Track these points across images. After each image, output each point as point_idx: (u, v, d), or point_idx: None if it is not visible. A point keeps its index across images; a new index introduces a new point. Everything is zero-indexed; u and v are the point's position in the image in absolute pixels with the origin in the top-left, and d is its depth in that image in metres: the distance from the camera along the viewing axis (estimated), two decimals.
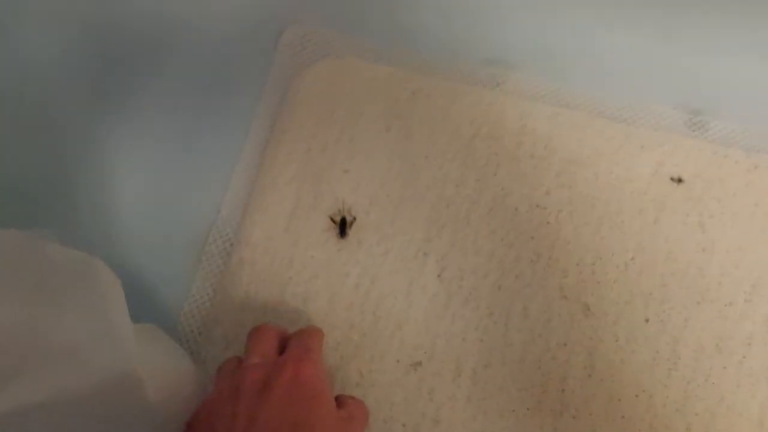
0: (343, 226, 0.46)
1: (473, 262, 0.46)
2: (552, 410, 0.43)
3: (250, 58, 0.51)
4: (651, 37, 0.51)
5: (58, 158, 0.49)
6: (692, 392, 0.43)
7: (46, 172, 0.49)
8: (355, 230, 0.46)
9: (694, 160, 0.48)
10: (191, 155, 0.49)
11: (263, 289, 0.45)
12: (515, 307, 0.45)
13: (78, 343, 0.27)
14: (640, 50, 0.51)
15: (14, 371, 0.24)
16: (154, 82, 0.50)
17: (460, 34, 0.52)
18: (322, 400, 0.36)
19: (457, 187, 0.48)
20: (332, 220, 0.47)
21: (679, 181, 0.48)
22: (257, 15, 0.52)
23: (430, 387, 0.43)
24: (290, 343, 0.39)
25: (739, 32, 0.50)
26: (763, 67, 0.50)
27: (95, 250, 0.45)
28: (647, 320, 0.44)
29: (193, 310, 0.45)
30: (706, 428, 0.42)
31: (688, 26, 0.51)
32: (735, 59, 0.50)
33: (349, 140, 0.49)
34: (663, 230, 0.46)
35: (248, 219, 0.47)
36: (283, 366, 0.36)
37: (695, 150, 0.48)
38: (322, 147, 0.48)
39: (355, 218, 0.47)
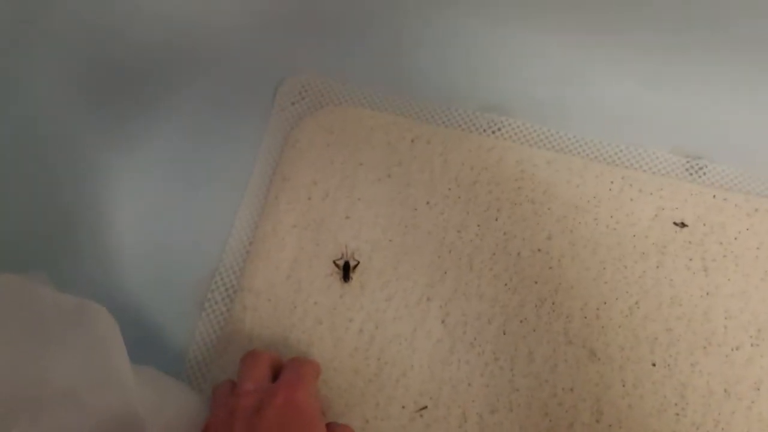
0: (346, 271, 0.46)
1: (477, 307, 0.45)
2: None
3: (250, 106, 0.52)
4: (647, 82, 0.53)
5: (60, 202, 0.49)
6: None
7: (47, 215, 0.49)
8: (358, 275, 0.46)
9: (694, 204, 0.48)
10: (193, 202, 0.49)
11: (267, 335, 0.45)
12: (521, 352, 0.44)
13: (76, 385, 0.27)
14: (636, 95, 0.52)
15: (12, 414, 0.24)
16: (157, 130, 0.51)
17: (458, 81, 0.54)
18: (314, 426, 0.36)
19: (459, 232, 0.48)
20: (335, 264, 0.47)
21: (682, 225, 0.48)
22: (257, 64, 0.53)
23: None
24: (283, 370, 0.39)
25: (734, 78, 0.51)
26: (758, 113, 0.51)
27: (97, 294, 0.45)
28: (654, 365, 0.44)
29: (197, 357, 0.44)
30: None
31: (682, 72, 0.52)
32: (730, 105, 0.51)
33: (350, 187, 0.49)
34: (666, 274, 0.46)
35: (250, 266, 0.47)
36: (276, 392, 0.36)
37: (695, 194, 0.49)
38: (324, 194, 0.49)
39: (358, 262, 0.47)
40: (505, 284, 0.46)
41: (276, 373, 0.40)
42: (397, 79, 0.53)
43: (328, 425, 0.38)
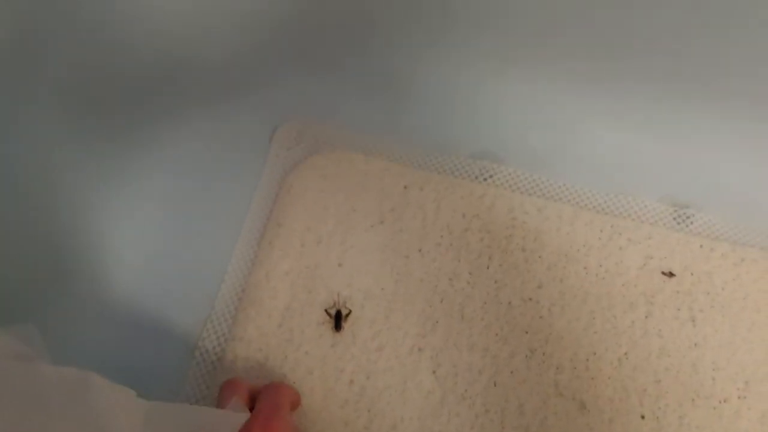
0: (338, 319, 0.46)
1: (468, 358, 0.45)
2: None
3: (246, 151, 0.52)
4: (636, 132, 0.53)
5: (51, 246, 0.49)
6: None
7: (38, 258, 0.48)
8: (350, 324, 0.46)
9: (682, 254, 0.49)
10: (186, 247, 0.49)
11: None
12: (511, 404, 0.44)
13: None
14: (626, 144, 0.53)
15: None
16: (150, 177, 0.51)
17: (451, 129, 0.54)
18: None
19: (451, 280, 0.48)
20: (327, 313, 0.47)
21: (670, 274, 0.49)
22: (254, 110, 0.54)
23: None
24: (260, 399, 0.39)
25: (722, 129, 0.52)
26: (745, 163, 0.52)
27: (87, 341, 0.45)
28: (643, 417, 0.44)
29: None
30: None
31: (671, 122, 0.53)
32: (718, 155, 0.52)
33: (344, 233, 0.49)
34: (655, 325, 0.47)
35: (242, 314, 0.47)
36: (253, 423, 0.36)
37: (682, 243, 0.50)
38: (317, 240, 0.49)
39: (350, 311, 0.47)
40: (496, 334, 0.46)
41: (255, 399, 0.40)
42: (391, 126, 0.53)
43: None
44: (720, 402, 0.44)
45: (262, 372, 0.45)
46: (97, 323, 0.47)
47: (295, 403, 0.42)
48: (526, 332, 0.46)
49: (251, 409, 0.39)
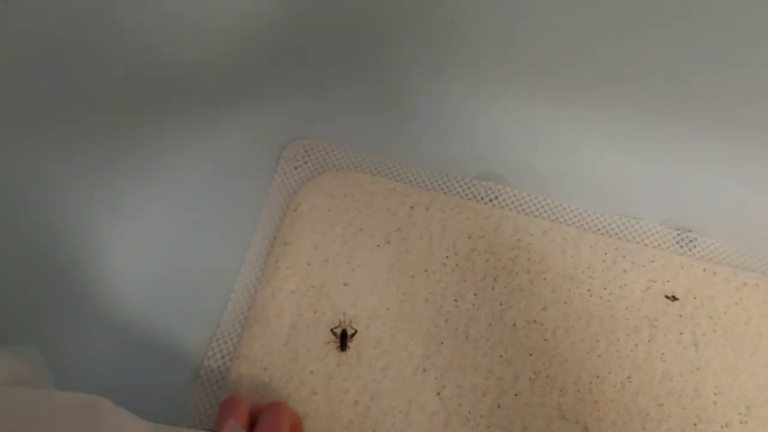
0: (344, 339, 0.46)
1: (472, 379, 0.46)
2: None
3: (252, 171, 0.53)
4: (641, 155, 0.54)
5: (53, 265, 0.49)
6: None
7: (40, 281, 0.48)
8: (356, 344, 0.47)
9: (685, 278, 0.50)
10: (193, 266, 0.49)
11: None
12: (515, 426, 0.44)
13: None
14: (630, 168, 0.54)
15: None
16: (157, 193, 0.51)
17: (457, 150, 0.55)
18: None
19: (456, 301, 0.48)
20: (333, 332, 0.47)
21: (673, 298, 0.49)
22: (262, 128, 0.54)
23: None
24: (260, 421, 0.39)
25: (724, 154, 0.53)
26: (747, 188, 0.53)
27: (90, 360, 0.45)
28: None
29: (191, 427, 0.44)
30: None
31: (675, 147, 0.54)
32: (721, 179, 0.53)
33: (350, 253, 0.50)
34: (658, 348, 0.47)
35: (248, 333, 0.47)
36: None
37: (685, 267, 0.50)
38: (323, 260, 0.49)
39: (356, 331, 0.47)
40: (501, 356, 0.47)
41: (254, 419, 0.39)
42: (398, 146, 0.54)
43: None
44: (722, 427, 0.45)
45: (267, 391, 0.45)
46: (100, 342, 0.46)
47: (296, 427, 0.42)
48: (531, 354, 0.47)
49: (251, 426, 0.39)
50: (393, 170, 0.53)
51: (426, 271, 0.49)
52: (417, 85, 0.56)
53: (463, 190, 0.53)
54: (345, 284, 0.49)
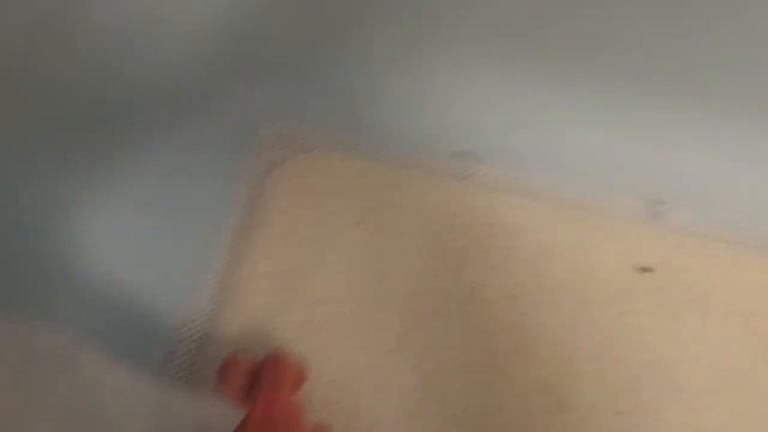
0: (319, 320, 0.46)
1: (448, 356, 0.46)
2: None
3: (226, 152, 0.52)
4: (612, 128, 0.54)
5: (23, 248, 0.48)
6: None
7: (9, 261, 0.47)
8: (332, 324, 0.46)
9: (657, 249, 0.50)
10: (164, 248, 0.49)
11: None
12: (491, 401, 0.45)
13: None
14: (602, 141, 0.54)
15: None
16: (129, 174, 0.50)
17: (430, 128, 0.54)
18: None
19: (431, 279, 0.48)
20: (308, 313, 0.47)
21: (645, 270, 0.49)
22: (234, 110, 0.53)
23: None
24: (260, 381, 0.38)
25: (694, 127, 0.53)
26: (718, 158, 0.53)
27: None
28: (621, 413, 0.44)
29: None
30: None
31: (645, 120, 0.54)
32: (692, 150, 0.53)
33: (324, 234, 0.49)
34: (632, 320, 0.47)
35: (222, 314, 0.46)
36: (253, 406, 0.35)
37: (657, 239, 0.50)
38: (298, 241, 0.49)
39: (331, 311, 0.47)
40: (477, 331, 0.47)
41: (254, 377, 0.39)
42: (371, 126, 0.53)
43: (315, 429, 0.38)
44: (695, 396, 0.45)
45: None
46: (71, 324, 0.46)
47: (299, 379, 0.41)
48: (507, 329, 0.47)
49: (251, 388, 0.38)
50: (366, 151, 0.53)
51: (399, 250, 0.49)
52: (389, 65, 0.55)
53: (438, 168, 0.52)
54: (320, 265, 0.48)
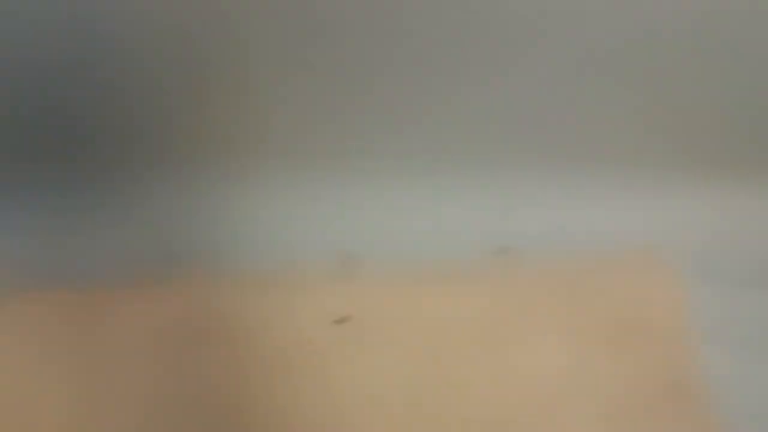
0: None
1: None
2: None
3: None
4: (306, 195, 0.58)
5: None
6: None
7: None
8: None
9: (355, 300, 0.54)
10: None
11: None
12: None
13: None
14: (289, 209, 0.58)
15: None
16: None
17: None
18: None
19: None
20: None
21: (344, 321, 0.54)
22: None
23: None
24: None
25: (378, 179, 0.58)
26: (409, 209, 0.58)
27: None
28: None
29: None
30: None
31: (331, 177, 0.58)
32: (382, 202, 0.58)
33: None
34: (324, 372, 0.51)
35: None
36: None
37: (355, 291, 0.55)
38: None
39: None
40: None
41: None
42: None
43: None
44: None
45: None
46: None
47: None
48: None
49: None
50: None
51: (117, 368, 0.52)
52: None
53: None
54: None
